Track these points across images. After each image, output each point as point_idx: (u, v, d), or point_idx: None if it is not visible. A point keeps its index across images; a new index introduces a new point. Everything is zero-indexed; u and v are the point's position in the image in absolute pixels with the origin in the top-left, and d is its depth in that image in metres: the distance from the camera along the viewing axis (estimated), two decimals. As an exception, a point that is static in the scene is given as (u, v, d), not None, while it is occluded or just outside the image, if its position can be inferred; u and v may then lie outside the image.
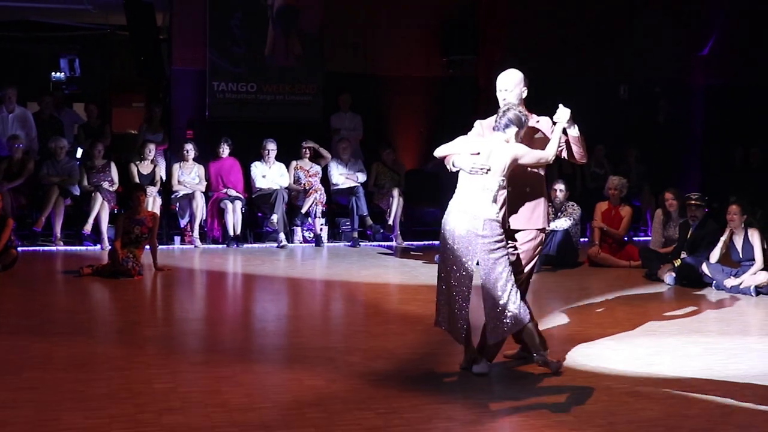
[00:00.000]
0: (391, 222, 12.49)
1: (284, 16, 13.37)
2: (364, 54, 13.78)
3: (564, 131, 5.99)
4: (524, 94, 6.10)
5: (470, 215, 5.71)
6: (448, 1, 13.97)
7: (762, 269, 9.01)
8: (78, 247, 11.48)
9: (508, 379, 5.89)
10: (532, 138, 6.01)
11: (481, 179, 5.73)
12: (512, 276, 5.72)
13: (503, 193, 5.78)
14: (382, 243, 12.55)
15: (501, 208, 5.77)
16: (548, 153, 5.93)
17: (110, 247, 9.87)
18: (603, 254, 10.71)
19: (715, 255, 9.29)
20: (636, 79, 14.62)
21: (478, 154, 5.81)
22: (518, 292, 5.75)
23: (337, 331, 7.23)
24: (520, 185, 5.97)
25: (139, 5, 15.18)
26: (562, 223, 10.50)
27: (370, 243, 12.53)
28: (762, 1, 14.83)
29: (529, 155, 5.87)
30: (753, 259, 9.07)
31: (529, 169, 5.97)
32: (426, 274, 10.04)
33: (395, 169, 12.98)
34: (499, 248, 5.69)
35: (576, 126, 5.98)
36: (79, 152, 13.40)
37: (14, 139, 11.71)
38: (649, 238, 11.37)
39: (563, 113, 5.94)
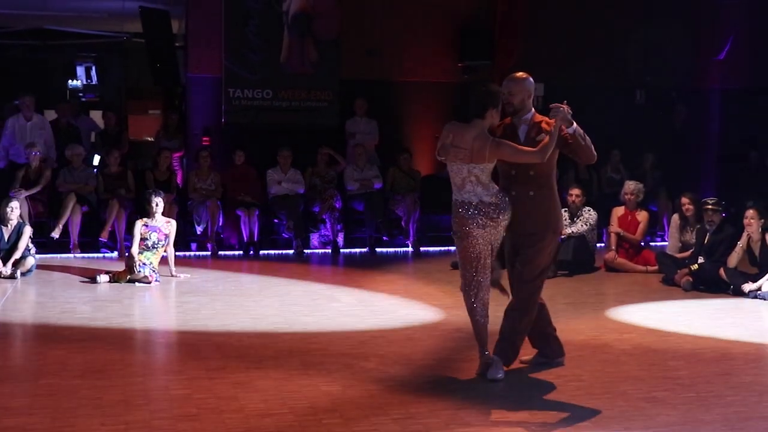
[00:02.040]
0: (407, 228, 12.48)
1: (299, 23, 13.40)
2: (380, 60, 13.79)
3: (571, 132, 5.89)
4: (530, 98, 6.03)
5: None
6: (464, 7, 13.97)
7: (780, 274, 8.96)
8: (95, 254, 11.52)
9: (524, 385, 5.87)
10: (534, 141, 5.91)
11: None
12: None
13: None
14: (398, 249, 12.54)
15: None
16: (535, 151, 5.76)
17: (127, 253, 9.90)
18: (619, 259, 10.66)
19: (732, 260, 9.24)
20: (652, 85, 14.57)
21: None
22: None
23: (353, 336, 7.21)
24: (526, 188, 5.93)
25: (154, 13, 15.29)
26: (578, 228, 10.46)
27: (387, 249, 12.52)
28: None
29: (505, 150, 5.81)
30: (771, 264, 9.02)
31: (531, 172, 5.88)
32: (441, 279, 10.02)
33: (411, 175, 12.97)
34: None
35: (575, 124, 5.82)
36: (96, 159, 13.48)
37: (32, 146, 11.77)
38: (666, 243, 11.31)
39: (558, 111, 5.76)
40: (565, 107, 5.77)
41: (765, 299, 8.84)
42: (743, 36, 14.72)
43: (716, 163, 14.89)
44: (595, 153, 6.01)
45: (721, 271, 9.21)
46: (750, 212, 9.21)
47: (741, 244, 9.23)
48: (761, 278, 9.00)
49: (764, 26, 14.64)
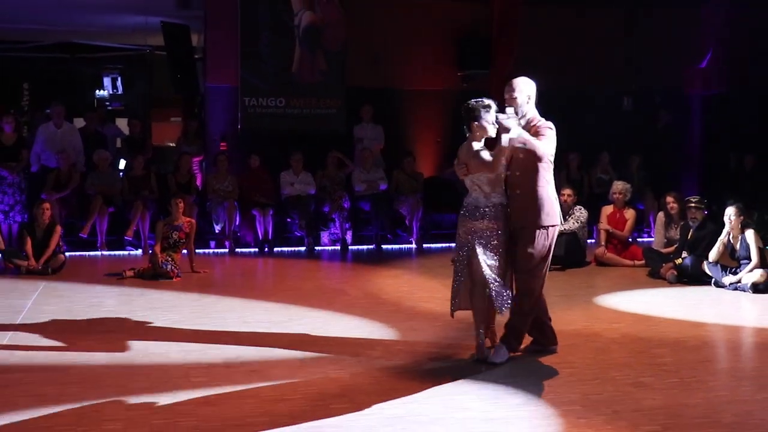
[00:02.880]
0: (411, 226, 12.49)
1: (309, 36, 13.41)
2: (384, 69, 13.80)
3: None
4: (530, 100, 5.96)
5: None
6: (463, 18, 13.96)
7: (758, 267, 8.93)
8: (120, 252, 11.55)
9: (520, 371, 5.85)
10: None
11: None
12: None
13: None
14: (403, 246, 12.53)
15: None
16: (486, 162, 5.89)
17: (151, 251, 9.92)
18: (609, 254, 10.65)
19: (714, 254, 9.22)
20: (638, 91, 14.55)
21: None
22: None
23: (361, 327, 7.21)
24: (515, 187, 5.98)
25: (175, 27, 15.32)
26: (570, 226, 10.45)
27: (392, 246, 12.52)
28: (755, 16, 14.72)
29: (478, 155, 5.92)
30: (749, 258, 8.99)
31: (517, 172, 5.93)
32: (443, 274, 9.97)
33: (414, 177, 12.97)
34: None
35: (513, 130, 5.71)
36: (122, 164, 13.51)
37: (62, 152, 11.80)
38: (652, 239, 11.29)
39: (503, 122, 5.75)
40: (508, 112, 5.77)
41: (744, 291, 8.83)
42: (723, 45, 14.68)
43: (698, 164, 14.86)
44: (543, 152, 5.82)
45: (704, 265, 9.20)
46: (730, 210, 9.19)
47: (722, 239, 9.21)
48: (740, 272, 8.98)
49: (742, 36, 14.60)
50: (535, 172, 5.88)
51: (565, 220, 10.47)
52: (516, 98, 5.91)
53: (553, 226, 5.99)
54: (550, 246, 6.00)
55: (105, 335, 6.89)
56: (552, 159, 5.97)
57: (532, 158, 5.81)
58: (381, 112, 13.45)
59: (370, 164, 12.76)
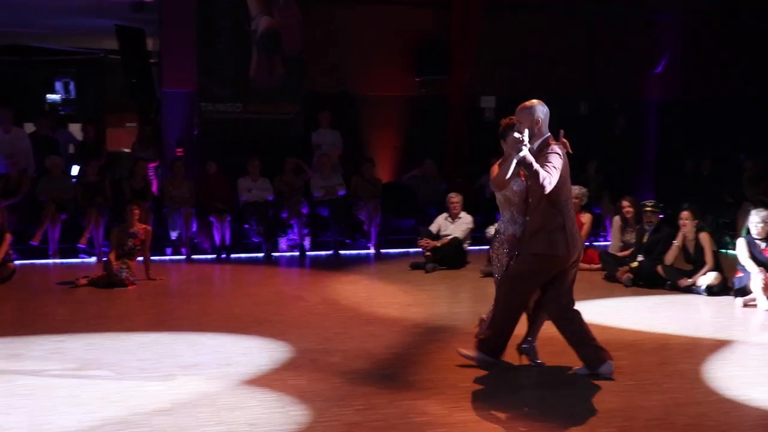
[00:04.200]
0: (369, 231, 12.50)
1: (267, 40, 13.37)
2: (343, 74, 13.80)
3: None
4: (538, 126, 5.70)
5: None
6: (421, 24, 14.01)
7: (712, 270, 9.08)
8: (74, 260, 11.37)
9: (477, 377, 5.88)
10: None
11: None
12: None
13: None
14: (361, 251, 12.54)
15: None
16: (491, 180, 5.99)
17: (105, 259, 9.80)
18: (566, 258, 10.72)
19: (669, 257, 9.35)
20: (595, 96, 14.71)
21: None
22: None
23: (319, 333, 7.19)
24: (528, 213, 5.85)
25: (130, 31, 15.18)
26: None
27: (350, 251, 12.51)
28: (708, 23, 15.01)
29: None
30: (704, 261, 9.14)
31: (530, 199, 5.80)
32: (401, 279, 10.05)
33: (373, 182, 12.98)
34: None
35: (522, 153, 5.39)
36: (75, 170, 13.33)
37: (11, 158, 11.61)
38: (608, 243, 11.40)
39: (512, 140, 5.49)
40: (517, 135, 5.41)
41: (699, 293, 8.96)
42: (678, 52, 14.91)
43: (654, 168, 15.06)
44: (544, 183, 5.42)
45: (659, 268, 9.32)
46: (685, 213, 9.34)
47: (677, 242, 9.34)
48: (695, 274, 9.12)
49: (696, 43, 14.87)
50: (543, 199, 5.62)
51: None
52: (519, 130, 5.55)
53: (541, 254, 5.70)
54: (535, 272, 5.78)
55: (56, 344, 6.79)
56: (564, 184, 5.67)
57: (537, 186, 5.52)
58: (339, 118, 13.44)
59: (328, 170, 12.74)
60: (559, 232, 5.64)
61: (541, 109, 5.77)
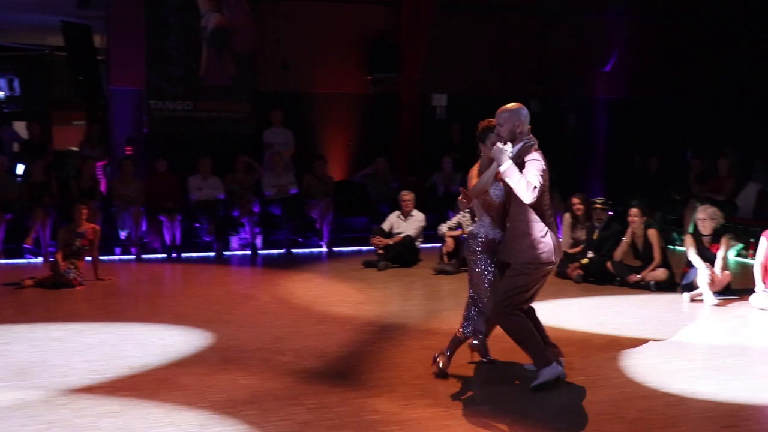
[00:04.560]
0: (321, 230, 12.47)
1: (217, 38, 13.27)
2: (295, 73, 13.75)
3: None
4: (519, 129, 5.53)
5: None
6: (373, 22, 14.01)
7: (660, 266, 9.22)
8: (19, 260, 11.15)
9: (429, 375, 5.89)
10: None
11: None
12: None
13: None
14: (313, 249, 12.50)
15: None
16: (470, 189, 5.69)
17: (52, 259, 9.64)
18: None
19: (618, 254, 9.47)
20: (545, 95, 14.84)
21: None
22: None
23: (271, 333, 7.16)
24: (508, 220, 5.67)
25: (76, 27, 14.94)
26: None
27: (302, 250, 12.47)
28: (655, 24, 15.24)
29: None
30: (652, 257, 9.27)
31: (507, 206, 5.65)
32: (354, 277, 10.04)
33: (325, 180, 12.95)
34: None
35: (506, 164, 5.35)
36: (20, 169, 13.09)
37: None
38: (559, 240, 11.51)
39: (495, 151, 5.43)
40: (500, 145, 5.39)
41: (648, 289, 9.09)
42: (626, 50, 15.11)
43: (603, 166, 15.24)
44: (529, 195, 5.31)
45: (609, 264, 9.44)
46: (634, 210, 9.46)
47: (626, 239, 9.47)
48: (643, 270, 9.25)
49: (644, 42, 15.07)
50: (523, 206, 5.46)
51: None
52: (499, 132, 5.54)
53: (534, 263, 5.53)
54: (528, 282, 5.61)
55: (1, 348, 6.66)
56: (543, 192, 5.47)
57: (522, 197, 5.38)
58: (291, 116, 13.39)
59: (280, 168, 12.69)
60: (544, 239, 5.51)
61: (521, 113, 5.58)
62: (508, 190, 5.53)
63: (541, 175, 5.36)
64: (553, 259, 5.57)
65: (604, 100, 15.38)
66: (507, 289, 5.57)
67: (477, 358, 6.07)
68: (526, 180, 5.33)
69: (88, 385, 5.63)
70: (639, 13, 15.16)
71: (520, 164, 5.40)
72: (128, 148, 13.02)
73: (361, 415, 5.02)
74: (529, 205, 5.42)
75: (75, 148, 15.39)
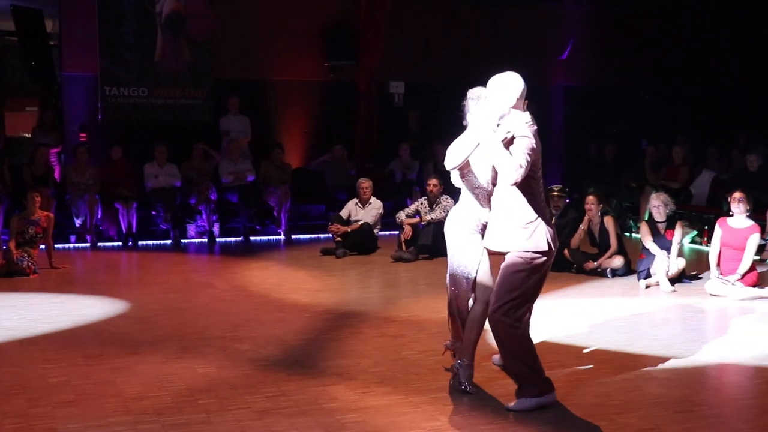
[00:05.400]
0: (279, 217, 12.42)
1: (172, 24, 13.10)
2: (252, 60, 13.65)
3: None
4: (511, 102, 4.89)
5: None
6: (330, 10, 13.93)
7: (616, 253, 9.32)
8: (-28, 248, 10.97)
9: (387, 362, 5.91)
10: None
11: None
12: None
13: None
14: (271, 237, 12.45)
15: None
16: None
17: (5, 247, 9.49)
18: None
19: (575, 241, 9.56)
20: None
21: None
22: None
23: (229, 320, 7.12)
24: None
25: (27, 11, 14.66)
26: (437, 215, 10.59)
27: (260, 237, 12.41)
28: (614, 13, 15.37)
29: None
30: (609, 245, 9.37)
31: (492, 187, 5.08)
32: (311, 265, 10.02)
33: (282, 168, 12.89)
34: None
35: (488, 136, 4.81)
36: (-29, 156, 12.84)
37: None
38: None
39: (478, 121, 4.93)
40: (484, 115, 4.91)
41: (604, 276, 9.19)
42: (583, 38, 15.22)
43: (560, 154, 15.36)
44: (510, 176, 4.67)
45: (566, 251, 9.51)
46: (590, 198, 9.56)
47: (583, 226, 9.55)
48: (600, 258, 9.35)
49: (601, 30, 15.20)
50: (514, 189, 4.83)
51: (432, 209, 10.64)
52: (491, 99, 4.96)
53: (531, 253, 4.89)
54: (528, 276, 4.92)
55: (-46, 336, 6.56)
56: (536, 173, 4.84)
57: (504, 175, 4.75)
58: (248, 103, 13.30)
59: (236, 155, 12.60)
60: (538, 224, 4.86)
61: (516, 82, 4.92)
62: (495, 170, 4.93)
63: (529, 154, 4.69)
64: (550, 248, 4.91)
65: (561, 88, 15.48)
66: (502, 291, 4.89)
67: (449, 356, 5.64)
68: (512, 157, 4.69)
69: (42, 374, 5.55)
70: (595, 2, 15.28)
71: (510, 141, 4.78)
72: (82, 134, 12.84)
73: (320, 403, 5.02)
74: (520, 186, 4.78)
75: (28, 135, 15.08)
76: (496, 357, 5.62)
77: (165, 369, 5.69)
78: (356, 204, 11.18)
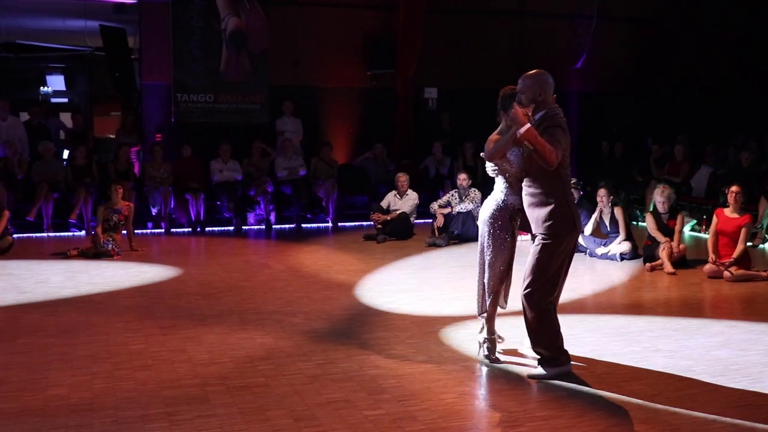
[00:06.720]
0: (327, 207, 12.43)
1: (235, 39, 13.16)
2: (303, 69, 13.66)
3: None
4: (541, 97, 4.81)
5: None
6: (372, 24, 13.89)
7: (625, 240, 9.19)
8: (65, 233, 11.13)
9: (423, 336, 5.88)
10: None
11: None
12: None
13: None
14: (320, 225, 12.46)
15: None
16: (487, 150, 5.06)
17: (93, 232, 9.60)
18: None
19: (588, 229, 9.44)
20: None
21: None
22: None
23: (283, 297, 7.14)
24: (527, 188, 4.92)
25: (113, 30, 14.85)
26: (466, 206, 10.54)
27: (311, 225, 12.44)
28: (618, 27, 15.13)
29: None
30: (617, 232, 9.24)
31: (524, 172, 4.94)
32: (356, 249, 10.02)
33: (330, 164, 12.89)
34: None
35: (524, 128, 4.62)
36: (65, 154, 13.05)
37: (7, 143, 11.32)
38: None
39: (512, 114, 4.75)
40: (518, 108, 4.69)
41: (613, 260, 9.07)
42: (595, 50, 15.01)
43: (575, 151, 15.14)
44: (551, 159, 4.59)
45: (580, 237, 9.39)
46: (602, 191, 9.43)
47: (594, 216, 9.44)
48: (610, 243, 9.23)
49: (611, 42, 14.99)
50: (542, 175, 4.76)
51: (462, 200, 10.58)
52: (521, 100, 4.84)
53: (560, 235, 4.77)
54: (557, 256, 4.81)
55: (51, 309, 6.65)
56: (565, 161, 4.75)
57: (543, 162, 4.66)
58: (300, 107, 13.34)
59: (290, 153, 12.63)
60: (566, 207, 4.75)
61: (545, 79, 4.83)
62: (527, 156, 4.81)
63: (560, 142, 4.62)
64: (575, 229, 4.80)
65: (576, 94, 15.28)
66: (534, 271, 4.80)
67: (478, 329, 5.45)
68: (550, 146, 4.57)
69: (125, 342, 5.61)
70: (605, 17, 15.06)
71: (542, 133, 4.64)
72: (158, 135, 12.96)
73: (363, 369, 5.01)
74: (550, 171, 4.66)
75: (112, 136, 15.33)
76: (523, 347, 5.30)
77: (228, 339, 5.72)
78: (395, 195, 11.14)
